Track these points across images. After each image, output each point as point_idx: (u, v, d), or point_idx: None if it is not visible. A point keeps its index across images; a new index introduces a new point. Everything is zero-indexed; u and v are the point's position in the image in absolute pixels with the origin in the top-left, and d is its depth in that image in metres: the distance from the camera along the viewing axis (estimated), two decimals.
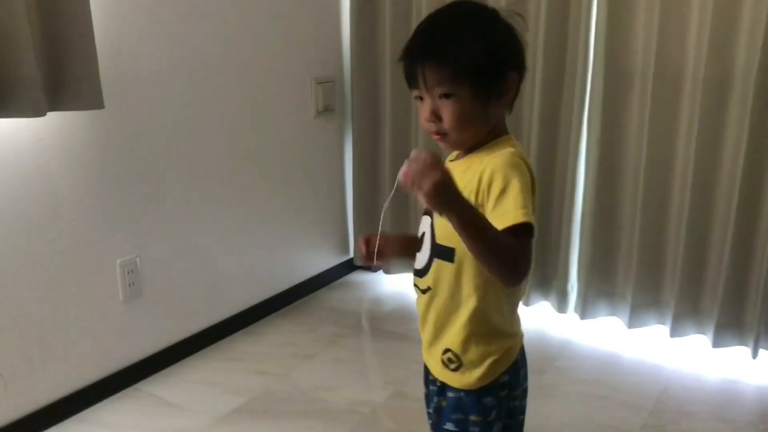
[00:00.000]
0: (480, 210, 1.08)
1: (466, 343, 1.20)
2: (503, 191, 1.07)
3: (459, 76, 1.09)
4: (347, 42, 2.84)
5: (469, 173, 1.12)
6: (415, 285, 1.26)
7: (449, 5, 1.16)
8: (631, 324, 2.48)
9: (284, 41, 2.61)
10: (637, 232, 2.39)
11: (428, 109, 1.12)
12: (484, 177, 1.09)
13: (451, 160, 1.23)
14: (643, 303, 2.46)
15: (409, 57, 1.13)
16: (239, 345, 2.51)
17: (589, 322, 2.59)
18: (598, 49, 2.33)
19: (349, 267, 3.11)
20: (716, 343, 2.33)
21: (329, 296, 2.88)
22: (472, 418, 1.22)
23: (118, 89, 2.01)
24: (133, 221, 2.17)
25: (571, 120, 2.44)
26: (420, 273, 1.23)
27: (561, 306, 2.63)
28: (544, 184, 2.55)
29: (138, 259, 2.19)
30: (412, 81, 1.14)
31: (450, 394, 1.24)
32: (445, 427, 1.24)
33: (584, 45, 2.35)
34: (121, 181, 2.12)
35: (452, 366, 1.22)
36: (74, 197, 2.00)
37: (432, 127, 1.14)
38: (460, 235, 1.02)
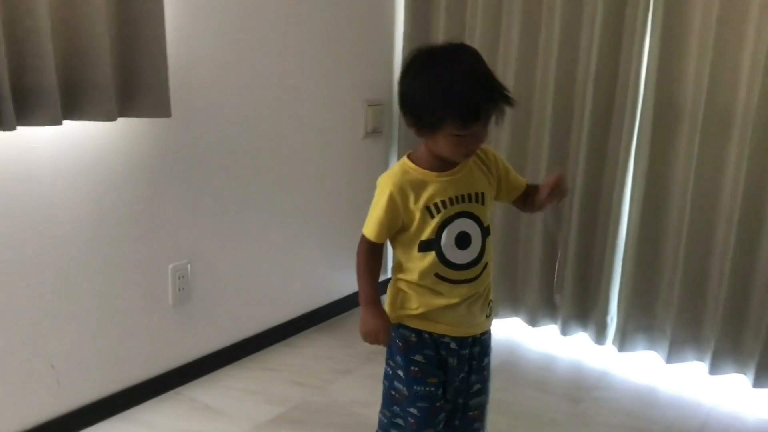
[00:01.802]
0: (492, 177, 1.54)
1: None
2: (508, 170, 1.57)
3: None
4: (399, 66, 2.91)
5: (477, 170, 1.51)
6: (455, 280, 1.49)
7: (464, 53, 1.43)
8: (670, 359, 2.48)
9: (339, 63, 2.68)
10: (680, 266, 2.40)
11: (474, 140, 1.41)
12: (492, 164, 1.54)
13: (440, 174, 1.48)
14: (683, 338, 2.46)
15: (486, 97, 1.36)
16: (279, 356, 2.56)
17: (626, 355, 2.58)
18: (649, 83, 2.36)
19: (386, 286, 3.13)
20: (756, 383, 2.31)
21: None
22: (489, 351, 1.63)
23: (181, 100, 2.09)
24: (187, 228, 2.24)
25: (619, 151, 2.46)
26: (473, 263, 1.49)
27: (599, 338, 2.63)
28: (588, 213, 2.57)
29: (189, 265, 2.26)
30: (473, 118, 1.36)
31: (484, 338, 1.59)
32: (484, 364, 1.60)
33: (635, 78, 2.39)
34: (179, 188, 2.19)
35: (489, 311, 1.59)
36: (134, 201, 2.07)
37: (467, 152, 1.45)
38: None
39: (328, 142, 2.72)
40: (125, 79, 1.85)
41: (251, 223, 2.46)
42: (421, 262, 1.48)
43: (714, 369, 2.39)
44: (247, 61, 2.33)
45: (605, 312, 2.60)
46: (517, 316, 2.83)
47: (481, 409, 1.63)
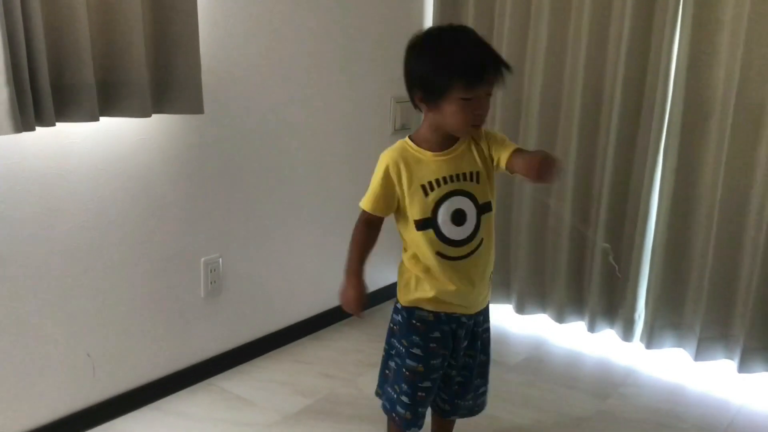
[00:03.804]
0: (486, 152, 1.59)
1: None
2: (504, 139, 1.60)
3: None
4: None
5: (472, 150, 1.58)
6: (454, 257, 1.58)
7: (465, 29, 1.57)
8: (698, 356, 2.47)
9: (368, 59, 2.71)
10: (709, 263, 2.38)
11: (480, 105, 1.49)
12: (484, 142, 1.59)
13: (435, 153, 1.58)
14: (712, 336, 2.44)
15: (484, 60, 1.47)
16: (308, 349, 2.60)
17: (654, 353, 2.58)
18: (678, 79, 2.35)
19: None
20: None
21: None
22: (488, 315, 1.75)
23: (214, 96, 2.13)
24: (219, 222, 2.29)
25: (648, 148, 2.46)
26: (467, 240, 1.58)
27: (626, 334, 2.63)
28: (617, 210, 2.57)
29: (221, 259, 2.30)
30: (477, 82, 1.46)
31: (483, 309, 1.71)
32: (484, 328, 1.73)
33: (664, 74, 2.38)
34: (211, 183, 2.24)
35: (490, 282, 1.70)
36: (168, 195, 2.12)
37: (477, 118, 1.51)
38: None
39: (357, 139, 2.74)
40: (160, 76, 1.89)
41: (281, 217, 2.50)
42: (422, 241, 1.58)
43: (743, 367, 2.38)
44: (276, 59, 2.37)
45: (633, 309, 2.59)
46: (544, 312, 2.84)
47: (483, 367, 1.77)
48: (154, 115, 1.92)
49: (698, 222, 2.44)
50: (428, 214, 1.56)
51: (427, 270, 1.61)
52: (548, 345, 2.71)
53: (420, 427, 1.73)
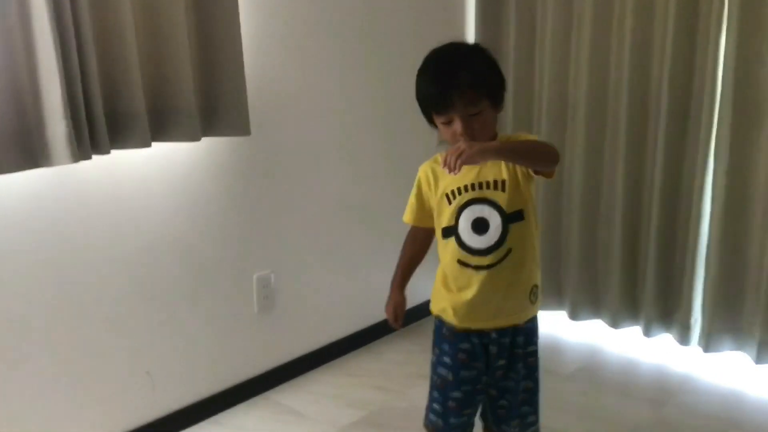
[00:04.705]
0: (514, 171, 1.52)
1: (539, 274, 1.61)
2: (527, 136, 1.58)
3: (482, 98, 1.47)
4: None
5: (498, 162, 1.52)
6: (476, 265, 1.54)
7: (448, 46, 1.55)
8: (759, 359, 2.40)
9: (413, 72, 2.73)
10: (767, 265, 2.33)
11: (462, 127, 1.46)
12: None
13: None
14: None
15: (443, 89, 1.47)
16: (360, 361, 2.63)
17: (712, 357, 2.52)
18: (727, 78, 2.30)
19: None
20: None
21: None
22: (536, 339, 1.64)
23: (260, 117, 2.18)
24: (270, 239, 2.34)
25: (698, 149, 2.42)
26: (491, 249, 1.53)
27: (683, 338, 2.58)
28: (668, 212, 2.53)
29: (272, 275, 2.36)
30: (442, 109, 1.48)
31: (527, 325, 1.61)
32: (529, 351, 1.62)
33: (712, 73, 2.34)
34: (260, 201, 2.29)
35: (533, 298, 1.60)
36: (219, 215, 2.19)
37: (465, 140, 1.45)
38: (515, 160, 1.46)
39: (403, 152, 2.75)
40: (207, 101, 1.96)
41: (331, 233, 2.54)
42: (445, 249, 1.59)
43: None
44: (320, 76, 2.42)
45: (689, 313, 2.54)
46: (598, 318, 2.80)
47: (530, 393, 1.66)
48: (203, 139, 1.99)
49: (753, 222, 2.38)
50: (451, 222, 1.57)
51: (444, 279, 1.61)
52: (603, 352, 2.68)
53: None
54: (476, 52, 1.55)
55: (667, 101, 2.43)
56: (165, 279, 2.08)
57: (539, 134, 2.76)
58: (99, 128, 1.70)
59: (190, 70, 1.86)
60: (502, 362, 1.61)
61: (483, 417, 1.74)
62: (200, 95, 1.94)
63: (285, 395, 2.38)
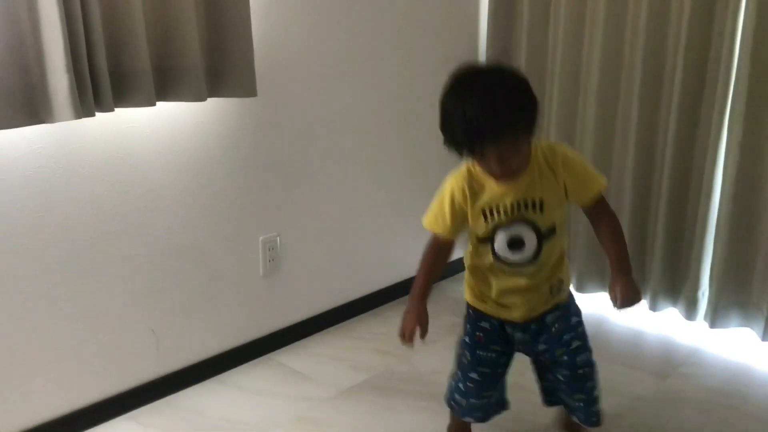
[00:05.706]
0: (559, 182, 1.52)
1: (566, 270, 1.67)
2: (578, 167, 1.55)
3: (522, 139, 1.45)
4: (483, 44, 2.92)
5: (542, 174, 1.52)
6: (517, 273, 1.58)
7: (485, 75, 1.47)
8: (766, 336, 2.38)
9: (422, 38, 2.70)
10: None
11: (497, 162, 1.44)
12: (558, 169, 1.52)
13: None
14: None
15: (481, 141, 1.40)
16: (366, 325, 2.64)
17: (719, 332, 2.51)
18: (744, 52, 2.25)
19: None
20: None
21: (452, 287, 2.92)
22: (574, 318, 1.69)
23: (267, 79, 2.17)
24: (276, 202, 2.34)
25: (711, 121, 2.37)
26: (524, 263, 1.56)
27: (690, 313, 2.56)
28: (678, 185, 2.49)
29: (278, 238, 2.36)
30: (480, 149, 1.43)
31: (563, 304, 1.68)
32: (573, 323, 1.68)
33: (729, 45, 2.28)
34: (267, 164, 2.29)
35: (556, 289, 1.64)
36: (225, 176, 2.19)
37: (501, 171, 1.46)
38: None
39: (413, 112, 2.74)
40: (213, 61, 1.94)
41: (338, 196, 2.54)
42: (480, 251, 1.61)
43: None
44: (330, 40, 2.39)
45: (696, 287, 2.52)
46: (604, 290, 2.79)
47: (590, 366, 1.71)
48: (209, 99, 1.98)
49: (765, 197, 2.34)
50: (488, 234, 1.57)
51: (474, 267, 1.65)
52: (609, 323, 2.67)
53: (478, 419, 1.77)
54: (516, 85, 1.46)
55: (682, 72, 2.37)
56: (170, 239, 2.09)
57: (551, 104, 2.73)
58: (103, 85, 1.70)
59: (197, 28, 1.84)
60: (541, 346, 1.68)
61: (550, 401, 1.84)
62: (206, 55, 1.92)
63: (289, 357, 2.40)
